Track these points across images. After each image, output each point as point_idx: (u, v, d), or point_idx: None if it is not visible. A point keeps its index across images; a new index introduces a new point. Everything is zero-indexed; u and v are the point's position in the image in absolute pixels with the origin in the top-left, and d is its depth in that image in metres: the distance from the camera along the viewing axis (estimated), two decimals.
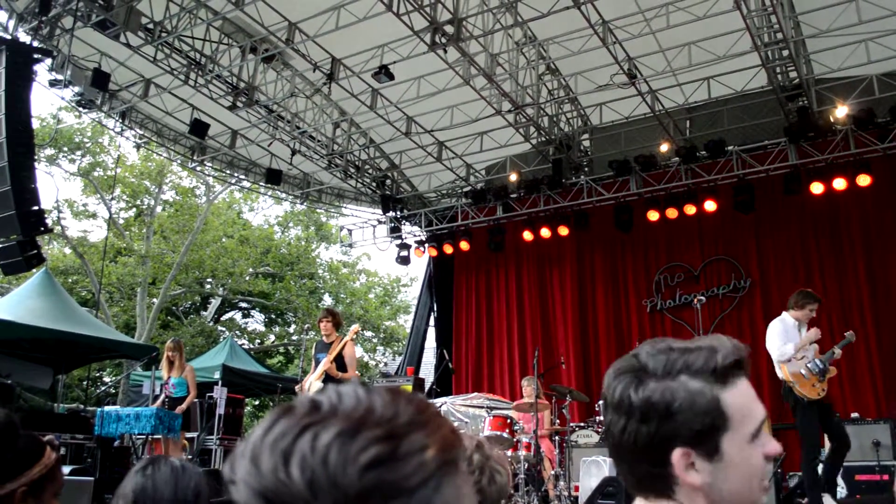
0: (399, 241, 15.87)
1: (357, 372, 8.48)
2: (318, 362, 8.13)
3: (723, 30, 10.26)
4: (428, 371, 16.93)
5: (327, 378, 7.94)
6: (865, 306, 11.65)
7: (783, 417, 11.40)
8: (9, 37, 10.00)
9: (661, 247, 13.73)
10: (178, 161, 16.09)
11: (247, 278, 28.83)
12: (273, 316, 32.63)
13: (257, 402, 25.29)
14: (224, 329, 30.76)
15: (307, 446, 0.69)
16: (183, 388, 9.49)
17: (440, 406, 11.85)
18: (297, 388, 8.62)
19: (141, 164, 27.11)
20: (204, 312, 31.32)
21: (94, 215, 27.75)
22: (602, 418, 9.44)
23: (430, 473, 0.71)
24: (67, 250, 26.92)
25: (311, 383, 8.03)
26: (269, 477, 0.68)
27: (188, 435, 11.37)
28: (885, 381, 11.20)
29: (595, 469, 8.75)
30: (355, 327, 8.76)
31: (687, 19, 9.98)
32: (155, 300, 26.51)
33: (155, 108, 13.21)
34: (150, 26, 10.60)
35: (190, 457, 12.15)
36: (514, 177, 13.85)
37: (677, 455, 1.25)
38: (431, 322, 16.39)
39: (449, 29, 9.66)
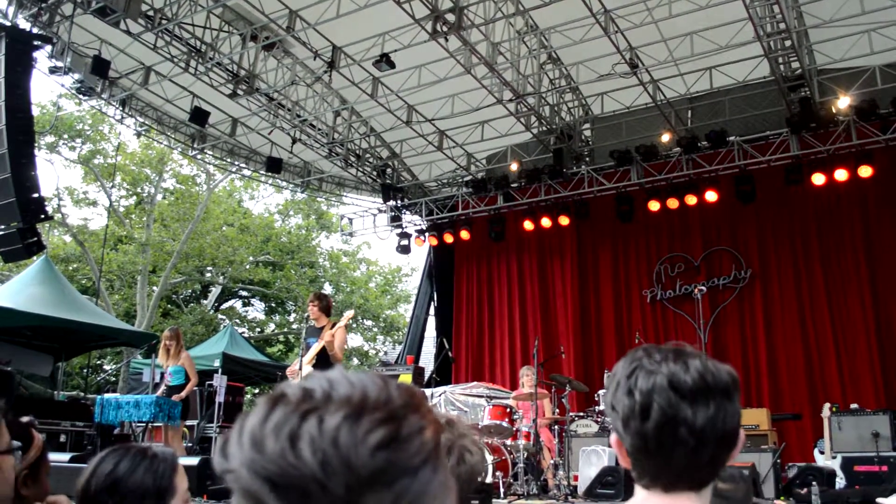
0: (399, 230, 15.86)
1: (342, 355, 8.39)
2: (308, 347, 8.09)
3: (725, 19, 10.23)
4: (428, 360, 16.94)
5: (319, 362, 7.92)
6: (866, 297, 11.64)
7: (781, 408, 11.44)
8: (8, 23, 9.96)
9: (662, 237, 13.71)
10: (179, 149, 16.08)
11: (247, 267, 28.85)
12: (273, 304, 32.67)
13: (257, 391, 25.43)
14: (224, 317, 30.80)
15: (315, 429, 0.69)
16: (180, 376, 9.49)
17: (440, 395, 11.88)
18: (287, 371, 8.51)
19: (141, 152, 27.07)
20: (204, 301, 31.36)
21: (94, 203, 27.75)
22: (604, 406, 9.46)
23: (429, 454, 0.73)
24: (68, 238, 26.91)
25: (303, 368, 7.97)
26: (276, 461, 0.69)
27: (188, 423, 11.40)
28: (884, 371, 11.21)
29: (594, 459, 8.76)
30: (350, 313, 8.69)
31: (689, 9, 9.95)
32: (155, 288, 26.53)
33: (155, 96, 13.18)
34: (151, 13, 10.57)
35: (191, 444, 12.19)
36: (514, 166, 13.82)
37: (742, 433, 1.36)
38: (432, 311, 16.40)
39: (450, 17, 9.62)
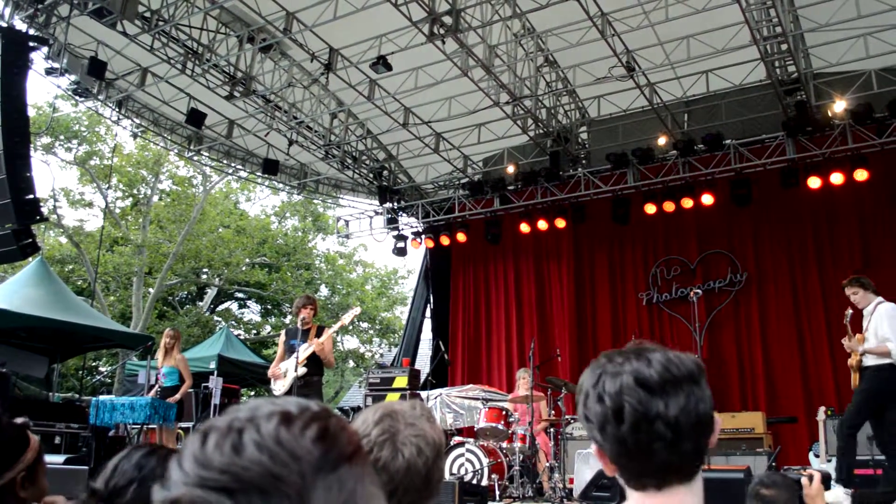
0: (396, 233, 15.86)
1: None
2: (291, 348, 8.01)
3: (722, 23, 10.24)
4: (424, 362, 16.94)
5: (309, 363, 7.87)
6: None
7: (776, 411, 11.46)
8: (4, 24, 9.94)
9: (659, 240, 13.73)
10: (175, 150, 16.06)
11: (243, 269, 28.82)
12: (269, 306, 32.64)
13: (253, 393, 25.47)
14: (220, 319, 30.77)
15: (255, 436, 0.75)
16: (174, 377, 9.47)
17: (436, 397, 11.88)
18: (269, 373, 8.34)
19: (138, 154, 27.05)
20: (200, 302, 31.32)
21: (90, 204, 27.73)
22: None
23: (357, 447, 0.82)
24: (63, 239, 26.87)
25: (289, 370, 7.87)
26: (227, 469, 0.73)
27: (183, 424, 11.38)
28: None
29: (590, 461, 8.76)
30: (357, 310, 8.64)
31: (686, 12, 9.96)
32: (151, 290, 26.48)
33: (152, 98, 13.17)
34: (147, 15, 10.55)
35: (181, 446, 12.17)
36: (511, 169, 13.82)
37: (718, 418, 1.37)
38: (428, 313, 16.39)
39: (447, 20, 9.62)
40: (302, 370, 7.80)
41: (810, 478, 3.33)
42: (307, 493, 0.73)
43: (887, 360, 6.94)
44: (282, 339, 8.37)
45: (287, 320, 31.85)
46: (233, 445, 0.74)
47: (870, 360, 7.09)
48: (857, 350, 7.21)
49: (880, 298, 7.33)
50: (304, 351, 7.87)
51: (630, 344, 1.41)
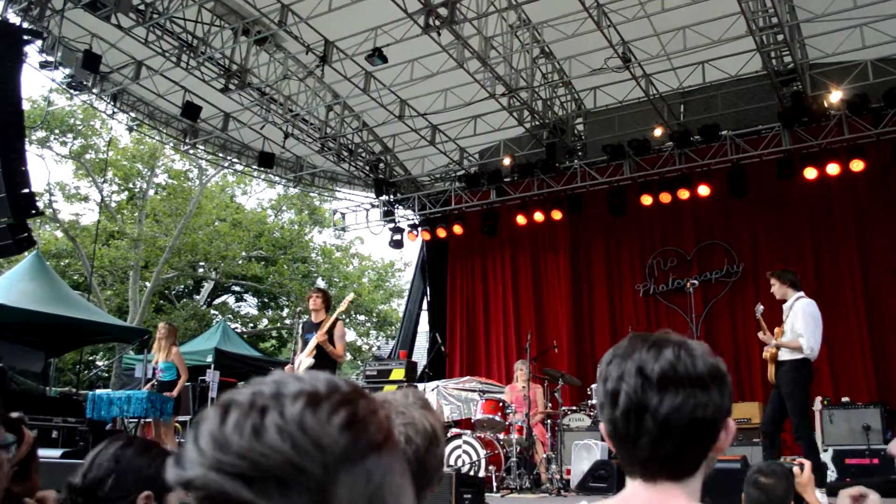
0: (392, 225, 15.84)
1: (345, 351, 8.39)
2: (305, 342, 8.07)
3: (717, 14, 10.24)
4: (421, 355, 16.95)
5: (319, 354, 7.90)
6: (857, 291, 11.68)
7: None
8: None
9: (655, 231, 13.73)
10: (171, 144, 16.03)
11: (240, 262, 28.77)
12: (266, 300, 32.61)
13: None
14: (217, 313, 30.75)
15: (278, 419, 0.70)
16: (171, 372, 9.46)
17: (433, 389, 11.90)
18: (286, 369, 8.44)
19: (133, 147, 26.98)
20: (197, 296, 31.28)
21: (86, 198, 27.63)
22: (597, 400, 9.46)
23: (387, 434, 0.77)
24: (59, 233, 26.81)
25: (302, 360, 7.96)
26: (246, 455, 0.69)
27: (181, 418, 11.38)
28: (875, 365, 11.26)
29: (586, 452, 8.80)
30: (351, 296, 8.72)
31: (682, 3, 9.95)
32: (147, 284, 26.46)
33: (147, 91, 13.12)
34: (142, 7, 10.51)
35: (183, 440, 12.17)
36: (507, 161, 13.82)
37: (732, 424, 1.34)
38: (425, 306, 16.40)
39: (443, 11, 9.60)
40: (310, 361, 7.83)
41: (801, 467, 3.37)
42: (329, 486, 0.69)
43: (800, 356, 7.03)
44: (297, 332, 8.48)
45: (284, 313, 31.88)
46: (253, 427, 0.70)
47: (785, 355, 7.20)
48: (770, 343, 7.32)
49: (800, 294, 7.41)
50: (312, 340, 7.94)
51: (659, 331, 1.39)
